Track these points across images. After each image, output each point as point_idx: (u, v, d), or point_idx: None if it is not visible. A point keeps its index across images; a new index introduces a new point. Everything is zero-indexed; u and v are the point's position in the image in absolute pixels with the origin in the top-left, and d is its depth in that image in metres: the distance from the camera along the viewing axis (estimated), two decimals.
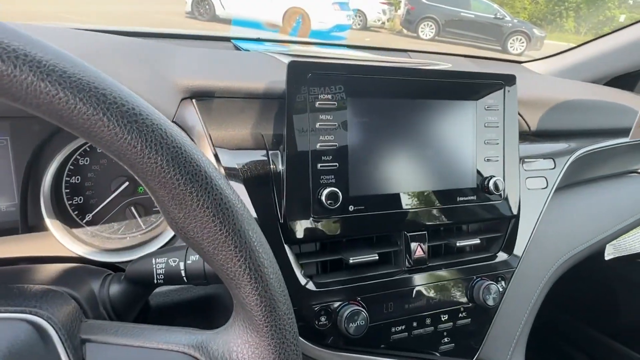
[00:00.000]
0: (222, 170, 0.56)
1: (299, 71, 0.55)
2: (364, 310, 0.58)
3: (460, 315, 0.66)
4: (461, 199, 0.66)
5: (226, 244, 0.28)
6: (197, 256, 0.42)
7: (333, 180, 0.57)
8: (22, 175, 0.56)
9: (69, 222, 0.59)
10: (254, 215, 0.56)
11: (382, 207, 0.61)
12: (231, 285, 0.29)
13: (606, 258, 1.08)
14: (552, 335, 1.65)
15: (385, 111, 0.61)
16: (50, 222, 0.54)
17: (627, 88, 1.31)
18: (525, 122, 0.81)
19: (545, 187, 0.76)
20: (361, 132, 0.59)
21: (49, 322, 0.30)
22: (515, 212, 0.71)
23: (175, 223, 0.28)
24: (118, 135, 0.24)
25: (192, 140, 0.56)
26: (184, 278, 0.42)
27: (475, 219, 0.68)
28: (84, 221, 0.60)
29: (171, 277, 0.42)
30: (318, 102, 0.56)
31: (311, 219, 0.56)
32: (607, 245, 1.06)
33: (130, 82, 0.49)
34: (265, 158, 0.58)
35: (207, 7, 7.67)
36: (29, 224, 0.56)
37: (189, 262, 0.41)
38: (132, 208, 0.62)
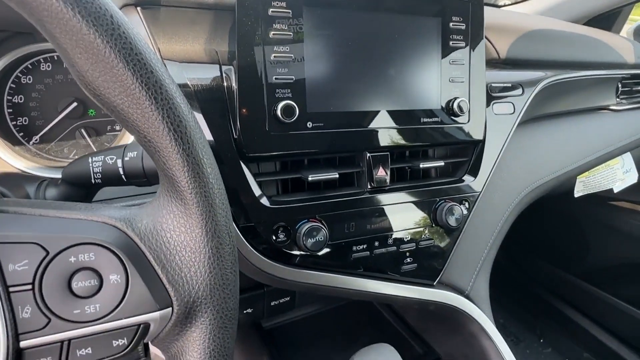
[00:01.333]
0: None
1: None
2: (323, 227, 0.57)
3: (423, 236, 0.66)
4: (425, 120, 0.65)
5: (141, 100, 0.26)
6: (135, 152, 0.40)
7: (289, 94, 0.55)
8: None
9: (14, 143, 0.56)
10: (208, 134, 0.54)
11: (342, 125, 0.59)
12: (151, 150, 0.27)
13: (575, 195, 1.09)
14: (521, 276, 1.69)
15: (346, 24, 0.58)
16: None
17: (605, 28, 1.30)
18: (495, 49, 0.79)
19: (513, 113, 0.76)
20: (320, 44, 0.56)
21: None
22: (480, 136, 0.70)
23: (83, 77, 0.25)
24: None
25: None
26: (123, 176, 0.40)
27: (439, 141, 0.67)
28: (31, 143, 0.58)
29: (109, 176, 0.40)
30: (271, 9, 0.53)
31: (267, 134, 0.54)
32: (577, 182, 1.08)
33: None
34: (219, 73, 0.55)
35: None
36: None
37: (126, 159, 0.40)
38: (83, 130, 0.60)
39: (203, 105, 0.54)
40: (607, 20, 1.30)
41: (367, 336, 0.83)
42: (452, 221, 0.66)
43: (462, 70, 0.67)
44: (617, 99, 1.06)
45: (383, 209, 0.63)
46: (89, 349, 0.27)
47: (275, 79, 0.54)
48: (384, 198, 0.63)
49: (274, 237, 0.56)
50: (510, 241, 1.75)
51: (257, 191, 0.56)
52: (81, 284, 0.27)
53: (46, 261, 0.26)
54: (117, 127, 0.62)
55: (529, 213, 1.66)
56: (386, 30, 0.60)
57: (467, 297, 0.72)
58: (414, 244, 0.66)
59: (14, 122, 0.57)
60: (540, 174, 0.85)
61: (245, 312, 0.76)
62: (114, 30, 0.25)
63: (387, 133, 0.62)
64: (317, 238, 0.56)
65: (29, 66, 0.57)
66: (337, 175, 0.59)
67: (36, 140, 0.58)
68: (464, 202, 0.69)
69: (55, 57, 0.58)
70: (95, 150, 0.60)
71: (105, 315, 0.27)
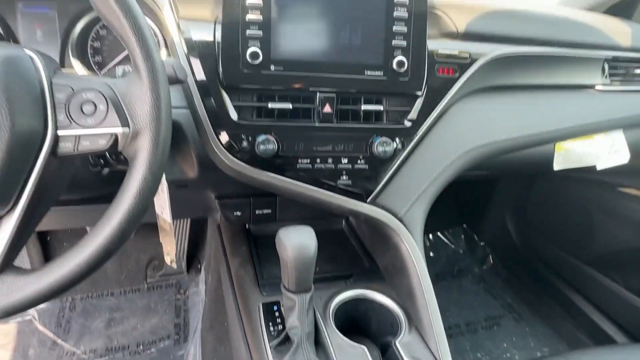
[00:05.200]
0: (184, 39, 0.80)
1: None
2: (275, 141, 0.81)
3: (358, 161, 0.86)
4: (369, 72, 0.84)
5: (123, 22, 0.52)
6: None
7: (258, 44, 0.79)
8: (62, 37, 0.86)
9: (92, 72, 0.89)
10: (201, 69, 0.80)
11: (299, 70, 0.81)
12: (128, 49, 0.53)
13: (555, 168, 1.17)
14: (533, 259, 1.73)
15: None
16: (73, 60, 0.84)
17: (625, 16, 1.33)
18: (454, 24, 0.95)
19: (456, 76, 0.91)
20: (284, 10, 0.79)
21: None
22: (420, 91, 0.87)
23: (97, 8, 0.52)
24: None
25: (160, 10, 0.81)
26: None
27: (380, 91, 0.86)
28: (101, 74, 0.90)
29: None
30: None
31: (240, 72, 0.79)
32: (556, 154, 1.16)
33: None
34: (213, 29, 0.81)
35: None
36: (65, 66, 0.87)
37: (126, 69, 0.67)
38: None
39: (200, 51, 0.80)
40: (627, 7, 1.33)
41: (331, 250, 1.05)
42: (382, 152, 0.85)
43: (404, 36, 0.85)
44: (606, 79, 1.13)
45: (327, 136, 0.85)
46: (88, 142, 0.54)
47: (248, 33, 0.78)
48: (328, 128, 0.84)
49: (240, 144, 0.81)
50: (525, 225, 1.80)
51: (232, 112, 0.81)
52: (86, 108, 0.54)
53: (72, 94, 0.54)
54: None
55: (544, 197, 1.70)
56: (340, 1, 0.82)
57: (400, 220, 0.90)
58: (350, 165, 0.86)
59: (93, 59, 0.89)
60: (494, 134, 0.98)
61: (235, 214, 1.02)
62: None
63: (335, 79, 0.83)
64: (267, 147, 0.80)
65: (104, 24, 0.89)
66: (291, 107, 0.82)
67: (104, 71, 0.90)
68: (399, 139, 0.87)
69: None
70: None
71: (96, 125, 0.54)
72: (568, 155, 1.16)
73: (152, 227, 0.95)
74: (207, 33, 0.80)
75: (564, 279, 1.60)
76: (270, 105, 0.81)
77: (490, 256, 1.90)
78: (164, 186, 0.82)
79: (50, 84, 0.54)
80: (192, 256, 1.81)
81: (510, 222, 1.83)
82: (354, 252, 1.07)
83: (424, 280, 0.84)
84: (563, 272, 1.61)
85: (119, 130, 0.55)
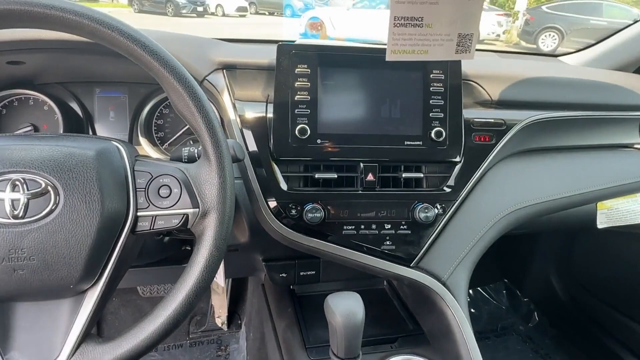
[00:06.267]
0: (239, 117, 0.88)
1: (285, 49, 0.86)
2: (322, 209, 0.86)
3: (401, 226, 0.89)
4: (408, 142, 0.90)
5: (197, 117, 0.59)
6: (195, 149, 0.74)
7: (305, 121, 0.86)
8: (132, 116, 0.97)
9: (154, 145, 0.98)
10: (254, 143, 0.87)
11: (343, 143, 0.88)
12: (199, 137, 0.61)
13: (599, 226, 1.16)
14: (583, 319, 1.65)
15: (349, 77, 0.89)
16: (141, 139, 0.94)
17: None
18: (488, 93, 1.01)
19: (492, 143, 0.95)
20: (329, 90, 0.87)
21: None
22: (458, 158, 0.92)
23: (173, 103, 0.61)
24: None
25: (219, 94, 0.91)
26: (185, 158, 0.75)
27: (419, 159, 0.90)
28: (163, 147, 1.00)
29: (189, 157, 0.76)
30: (297, 69, 0.86)
31: (289, 146, 0.86)
32: (599, 213, 1.15)
33: (180, 53, 0.84)
34: (265, 108, 0.89)
35: None
36: (133, 144, 0.97)
37: (191, 149, 0.75)
38: (191, 141, 0.99)
39: (253, 127, 0.88)
40: None
41: (375, 311, 1.05)
42: (424, 217, 0.88)
43: (441, 108, 0.91)
44: None
45: (370, 203, 0.89)
46: (162, 221, 0.61)
47: (296, 111, 0.86)
48: (371, 195, 0.89)
49: (289, 212, 0.86)
50: (570, 280, 1.74)
51: (282, 182, 0.87)
52: (162, 191, 0.61)
53: (151, 180, 0.61)
54: None
55: (589, 251, 1.66)
56: (381, 80, 0.89)
57: (444, 284, 0.91)
58: (393, 230, 0.89)
59: (156, 135, 1.00)
60: (534, 196, 1.00)
61: (280, 275, 1.06)
62: (192, 89, 0.59)
63: (376, 150, 0.89)
64: (315, 215, 0.85)
65: (167, 104, 0.99)
66: (336, 176, 0.88)
67: (166, 145, 1.00)
68: (440, 204, 0.90)
69: None
70: None
71: (170, 207, 0.61)
72: (611, 214, 1.15)
73: None
74: (260, 111, 0.88)
75: (617, 339, 1.52)
76: (317, 175, 0.87)
77: (536, 313, 1.83)
78: None
79: (133, 171, 0.62)
80: (232, 312, 1.84)
81: (554, 277, 1.77)
82: (397, 313, 1.08)
83: (470, 345, 0.84)
84: (616, 331, 1.53)
85: (190, 210, 0.62)
